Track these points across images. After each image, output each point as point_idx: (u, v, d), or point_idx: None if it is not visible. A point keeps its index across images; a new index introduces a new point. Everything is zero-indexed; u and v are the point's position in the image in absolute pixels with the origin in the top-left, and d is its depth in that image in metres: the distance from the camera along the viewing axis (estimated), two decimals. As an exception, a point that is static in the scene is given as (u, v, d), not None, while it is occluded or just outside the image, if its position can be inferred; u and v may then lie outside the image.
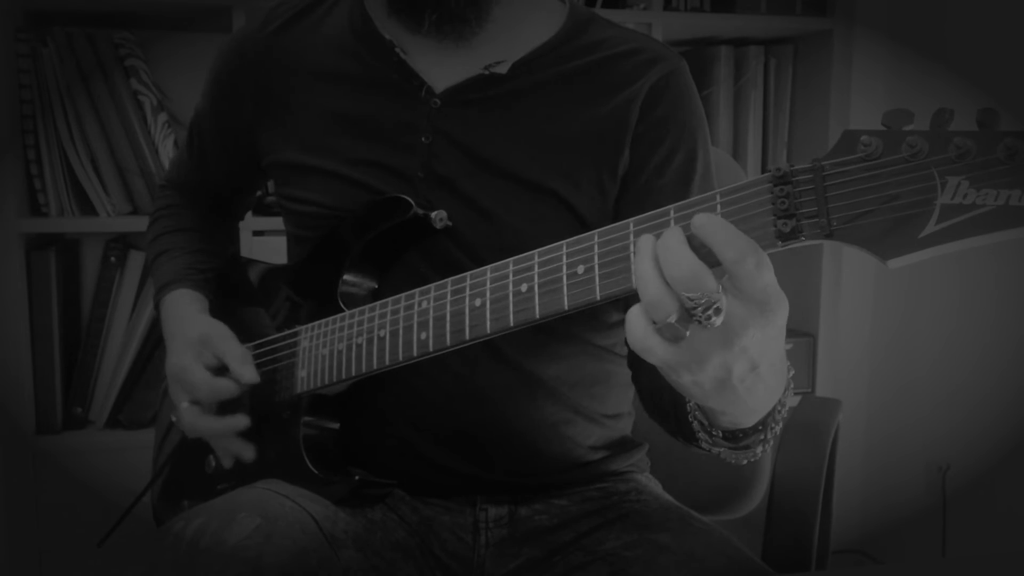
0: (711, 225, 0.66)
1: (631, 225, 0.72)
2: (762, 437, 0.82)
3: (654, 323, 0.66)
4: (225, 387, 1.02)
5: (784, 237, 0.65)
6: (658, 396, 0.95)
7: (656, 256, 0.67)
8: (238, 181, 1.21)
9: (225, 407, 1.04)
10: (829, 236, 0.64)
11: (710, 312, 0.64)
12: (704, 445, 0.84)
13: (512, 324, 0.80)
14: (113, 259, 1.90)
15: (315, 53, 1.05)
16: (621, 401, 1.10)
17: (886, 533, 2.36)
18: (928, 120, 0.62)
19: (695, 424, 0.84)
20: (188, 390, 1.04)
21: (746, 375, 0.70)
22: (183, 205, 1.25)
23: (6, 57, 1.77)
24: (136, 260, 1.91)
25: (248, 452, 1.03)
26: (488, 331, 0.82)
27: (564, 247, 0.77)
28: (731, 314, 0.66)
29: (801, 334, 2.16)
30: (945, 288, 2.17)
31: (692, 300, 0.65)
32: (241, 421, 1.02)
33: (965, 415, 2.14)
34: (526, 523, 1.03)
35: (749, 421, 0.78)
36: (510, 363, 1.00)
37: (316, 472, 0.98)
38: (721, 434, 0.82)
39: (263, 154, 1.09)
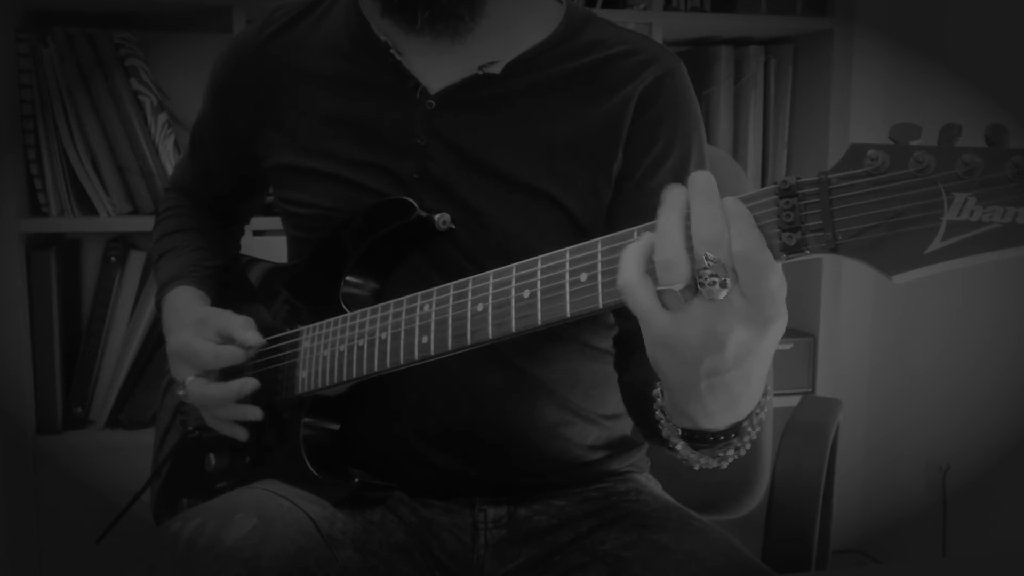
0: (738, 210, 0.66)
1: (635, 234, 0.72)
2: (721, 454, 0.81)
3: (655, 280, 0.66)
4: (229, 352, 1.01)
5: (789, 250, 0.65)
6: (638, 397, 0.94)
7: (686, 212, 0.66)
8: (240, 184, 1.21)
9: (230, 376, 1.03)
10: (834, 250, 0.63)
11: (717, 280, 0.64)
12: (664, 433, 0.83)
13: (514, 330, 0.80)
14: (113, 259, 1.89)
15: (311, 56, 1.05)
16: (620, 402, 1.09)
17: (886, 533, 2.36)
18: (933, 128, 0.62)
19: (658, 412, 0.83)
20: (191, 362, 1.02)
21: (714, 372, 0.70)
22: (187, 207, 1.25)
23: (6, 57, 1.76)
24: (136, 260, 1.91)
25: (255, 413, 1.01)
26: (490, 336, 0.82)
27: (567, 254, 0.76)
28: (729, 300, 0.66)
29: (801, 334, 2.16)
30: (945, 288, 2.17)
31: (708, 261, 0.64)
32: (250, 383, 1.00)
33: (965, 415, 2.14)
34: (525, 524, 1.03)
35: (706, 424, 0.78)
36: (509, 365, 1.00)
37: (316, 473, 0.98)
38: (680, 431, 0.81)
39: (262, 157, 1.09)
